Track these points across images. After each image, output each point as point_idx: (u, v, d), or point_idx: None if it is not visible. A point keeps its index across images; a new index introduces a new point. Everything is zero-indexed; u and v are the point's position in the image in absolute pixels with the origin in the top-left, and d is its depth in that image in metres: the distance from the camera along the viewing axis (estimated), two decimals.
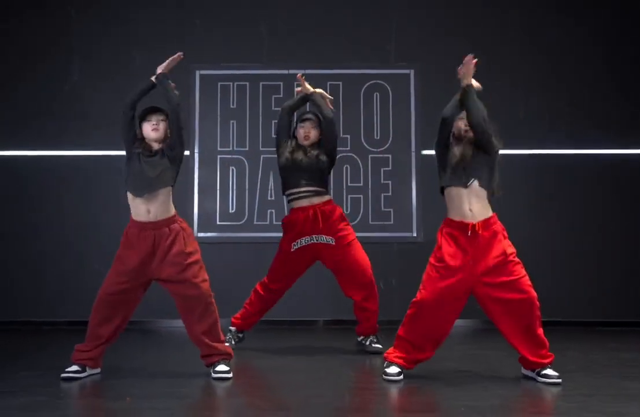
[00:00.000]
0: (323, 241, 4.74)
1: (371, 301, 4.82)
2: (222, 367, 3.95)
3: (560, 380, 3.75)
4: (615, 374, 4.09)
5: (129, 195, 3.98)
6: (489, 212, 3.89)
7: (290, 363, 4.55)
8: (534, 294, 3.83)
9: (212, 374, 3.94)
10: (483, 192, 3.87)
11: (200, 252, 4.03)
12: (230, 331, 5.02)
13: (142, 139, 4.04)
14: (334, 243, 4.74)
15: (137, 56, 6.73)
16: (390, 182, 6.52)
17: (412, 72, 6.67)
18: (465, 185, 3.86)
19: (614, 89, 6.67)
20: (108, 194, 6.34)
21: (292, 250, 4.79)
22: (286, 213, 6.48)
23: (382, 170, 6.59)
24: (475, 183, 3.86)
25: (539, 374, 3.83)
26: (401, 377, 3.83)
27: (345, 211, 6.42)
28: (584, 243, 6.57)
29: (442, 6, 6.76)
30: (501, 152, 6.27)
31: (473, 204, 3.84)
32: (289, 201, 4.89)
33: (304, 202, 4.77)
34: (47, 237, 6.54)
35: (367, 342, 4.89)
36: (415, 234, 6.46)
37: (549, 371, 3.81)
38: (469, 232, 3.80)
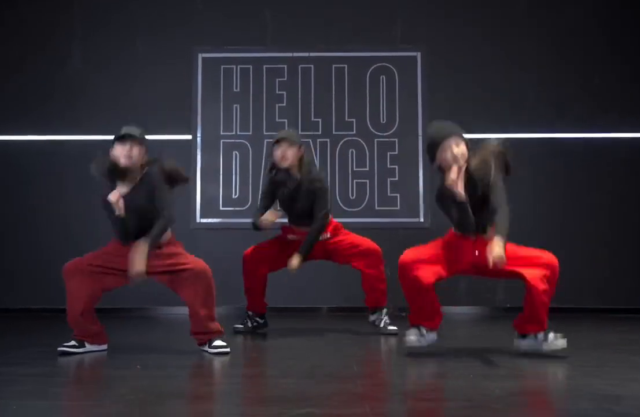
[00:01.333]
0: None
1: (373, 267, 4.68)
2: (219, 342, 3.86)
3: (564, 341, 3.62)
4: (625, 351, 4.00)
5: None
6: None
7: (294, 341, 4.48)
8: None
9: (210, 349, 3.83)
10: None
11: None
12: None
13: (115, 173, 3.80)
14: (329, 236, 4.73)
15: (138, 40, 6.56)
16: (396, 166, 6.32)
17: (418, 54, 6.51)
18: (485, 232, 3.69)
19: (625, 72, 6.49)
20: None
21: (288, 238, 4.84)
22: None
23: (388, 154, 6.38)
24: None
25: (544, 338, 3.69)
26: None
27: (350, 196, 6.31)
28: (596, 229, 6.37)
29: None
30: (510, 135, 6.14)
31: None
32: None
33: (303, 228, 4.72)
34: (46, 221, 6.40)
35: (382, 324, 4.74)
36: (422, 220, 6.26)
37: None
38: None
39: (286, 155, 4.55)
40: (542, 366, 3.40)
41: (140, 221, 3.77)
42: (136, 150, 3.75)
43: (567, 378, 3.03)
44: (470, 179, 3.61)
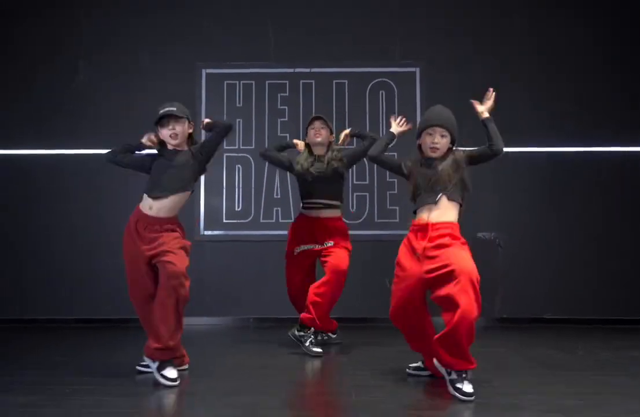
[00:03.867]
0: (318, 247, 4.66)
1: (329, 285, 4.41)
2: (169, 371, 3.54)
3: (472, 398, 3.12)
4: (623, 373, 3.77)
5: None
6: (449, 218, 3.49)
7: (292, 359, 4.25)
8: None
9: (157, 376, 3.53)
10: (450, 204, 3.51)
11: (188, 250, 3.74)
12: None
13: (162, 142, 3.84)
14: (332, 244, 4.61)
15: (143, 55, 6.37)
16: (395, 180, 6.12)
17: (417, 70, 6.30)
18: (435, 202, 3.50)
19: (617, 89, 6.28)
20: (116, 191, 6.04)
21: (294, 254, 4.74)
22: (292, 211, 6.11)
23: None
24: (443, 198, 3.50)
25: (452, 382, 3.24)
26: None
27: (351, 208, 6.14)
28: (589, 241, 6.17)
29: (447, 5, 6.44)
30: (509, 149, 5.95)
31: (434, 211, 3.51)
32: (302, 207, 4.82)
33: (312, 213, 4.68)
34: (56, 234, 6.22)
35: (307, 343, 4.42)
36: None
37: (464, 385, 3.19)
38: (416, 228, 3.53)
39: (320, 133, 4.68)
40: (542, 393, 3.19)
41: (178, 174, 3.69)
42: (179, 127, 3.71)
43: (567, 410, 2.82)
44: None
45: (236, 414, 2.81)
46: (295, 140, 4.90)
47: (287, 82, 6.31)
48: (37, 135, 6.26)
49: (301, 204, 4.81)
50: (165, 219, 3.70)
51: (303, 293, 4.61)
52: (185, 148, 3.81)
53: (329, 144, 4.77)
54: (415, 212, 3.63)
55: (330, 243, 4.57)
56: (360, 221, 6.14)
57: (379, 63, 6.32)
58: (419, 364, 3.68)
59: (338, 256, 4.50)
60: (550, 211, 6.19)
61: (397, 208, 6.16)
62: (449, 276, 3.20)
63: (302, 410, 2.96)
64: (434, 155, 3.56)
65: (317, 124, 4.72)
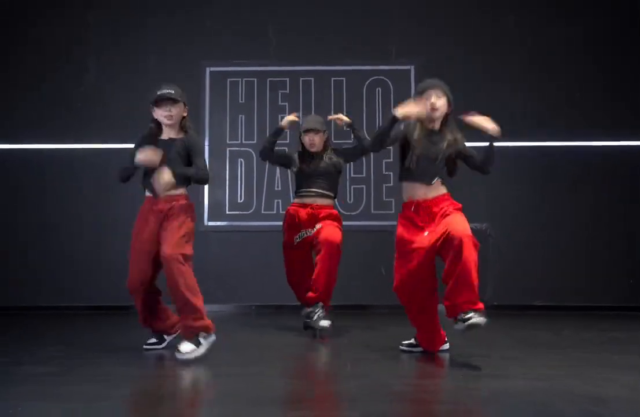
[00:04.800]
0: (310, 233, 4.65)
1: (324, 259, 4.42)
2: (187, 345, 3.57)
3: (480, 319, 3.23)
4: (607, 350, 3.92)
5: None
6: (442, 191, 3.59)
7: (290, 339, 4.41)
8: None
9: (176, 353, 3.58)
10: (440, 185, 3.61)
11: (192, 233, 3.72)
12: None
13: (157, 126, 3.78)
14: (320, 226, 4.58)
15: (150, 55, 6.52)
16: (391, 173, 6.28)
17: (412, 68, 6.45)
18: (430, 183, 3.55)
19: (605, 87, 6.46)
20: (123, 185, 6.04)
21: (295, 243, 4.71)
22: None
23: (383, 161, 6.33)
24: (438, 181, 3.58)
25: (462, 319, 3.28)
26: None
27: (348, 200, 6.27)
28: (577, 231, 6.34)
29: (442, 4, 6.57)
30: (500, 144, 6.10)
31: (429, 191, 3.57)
32: (295, 197, 4.84)
33: (305, 200, 4.70)
34: (67, 225, 6.33)
35: (315, 317, 4.47)
36: None
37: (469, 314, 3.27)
38: (412, 208, 3.54)
39: (314, 142, 4.68)
40: (526, 365, 3.34)
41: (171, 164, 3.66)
42: (175, 110, 3.70)
43: (548, 379, 2.97)
44: (439, 136, 3.56)
45: (237, 382, 2.96)
46: (284, 122, 4.72)
47: (287, 79, 6.45)
48: (46, 131, 6.39)
49: (294, 194, 4.82)
50: (172, 196, 3.69)
51: (303, 281, 4.65)
52: (177, 134, 3.75)
53: (326, 141, 4.78)
54: (401, 180, 3.65)
55: (319, 225, 4.55)
56: (357, 212, 6.28)
57: (376, 61, 6.45)
58: (412, 340, 3.80)
59: (328, 231, 4.48)
60: (540, 202, 6.32)
61: (393, 200, 6.28)
62: (451, 239, 3.30)
63: (299, 379, 3.11)
64: (434, 115, 3.54)
65: (311, 134, 4.69)
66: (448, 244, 3.32)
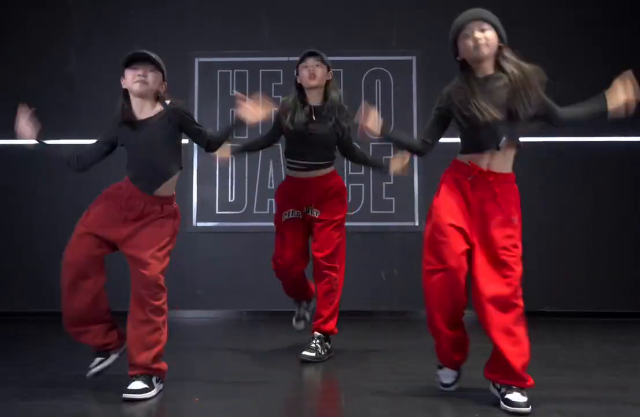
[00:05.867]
0: (312, 213, 3.86)
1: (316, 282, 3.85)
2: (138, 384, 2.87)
3: (527, 408, 2.59)
4: (633, 369, 3.50)
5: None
6: (508, 169, 2.81)
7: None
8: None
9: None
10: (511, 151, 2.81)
11: (173, 245, 3.05)
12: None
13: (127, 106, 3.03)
14: (317, 216, 3.85)
15: (136, 45, 5.97)
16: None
17: (413, 58, 6.04)
18: (498, 148, 2.74)
19: (611, 79, 5.95)
20: (109, 181, 5.64)
21: (282, 221, 3.90)
22: None
23: (383, 158, 5.83)
24: (506, 144, 2.76)
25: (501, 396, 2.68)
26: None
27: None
28: (585, 235, 5.94)
29: None
30: None
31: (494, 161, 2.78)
32: (287, 167, 4.00)
33: (301, 175, 3.88)
34: (52, 225, 5.88)
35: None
36: (417, 223, 5.79)
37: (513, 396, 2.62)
38: (471, 176, 2.74)
39: (315, 72, 3.77)
40: (553, 398, 2.85)
41: (149, 155, 3.00)
42: (152, 76, 2.98)
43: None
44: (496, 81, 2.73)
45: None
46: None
47: (281, 70, 6.01)
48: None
49: (286, 164, 4.00)
50: (162, 198, 3.03)
51: (292, 271, 3.89)
52: (152, 109, 3.04)
53: (327, 85, 3.86)
54: (461, 152, 2.84)
55: (317, 212, 3.83)
56: (355, 212, 5.87)
57: (375, 52, 6.04)
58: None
59: (322, 243, 3.79)
60: (547, 204, 5.87)
61: (393, 199, 5.88)
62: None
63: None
64: (482, 52, 2.70)
65: (311, 61, 3.82)
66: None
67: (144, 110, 3.06)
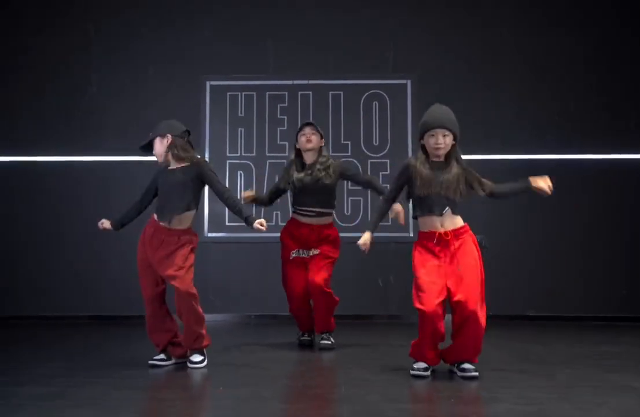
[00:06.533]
0: (306, 255, 4.57)
1: (316, 303, 4.50)
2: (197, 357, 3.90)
3: (476, 373, 3.51)
4: (600, 366, 3.89)
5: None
6: (459, 223, 3.65)
7: (289, 355, 4.39)
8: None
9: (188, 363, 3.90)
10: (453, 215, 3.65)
11: (193, 264, 3.89)
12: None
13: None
14: (317, 253, 4.54)
15: (150, 68, 6.52)
16: (388, 186, 6.17)
17: (409, 82, 6.46)
18: (441, 214, 3.59)
19: (598, 101, 6.41)
20: (124, 196, 6.03)
21: (290, 258, 4.59)
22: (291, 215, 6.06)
23: (380, 174, 6.32)
24: (448, 211, 3.60)
25: (458, 368, 3.60)
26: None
27: (345, 212, 6.28)
28: (570, 242, 6.34)
29: (438, 19, 6.55)
30: (494, 157, 6.20)
31: (445, 222, 3.62)
32: (292, 211, 4.71)
33: (304, 220, 4.57)
34: (67, 239, 6.32)
35: (320, 339, 4.60)
36: (412, 234, 6.20)
37: (466, 365, 3.57)
38: (435, 240, 3.57)
39: (311, 138, 4.49)
40: (518, 387, 3.31)
41: (174, 195, 3.82)
42: (156, 146, 3.91)
43: (539, 403, 2.95)
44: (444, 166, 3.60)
45: (226, 405, 2.97)
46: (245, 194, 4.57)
47: (286, 93, 6.45)
48: (49, 142, 6.40)
49: (292, 209, 4.68)
50: (175, 230, 3.83)
51: (306, 305, 4.57)
52: (176, 164, 3.89)
53: (320, 150, 4.58)
54: (416, 217, 3.69)
55: (316, 251, 4.50)
56: (354, 223, 6.27)
57: (373, 75, 6.46)
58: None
59: (313, 271, 4.43)
60: (533, 214, 6.30)
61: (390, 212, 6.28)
62: (463, 305, 3.44)
63: (292, 403, 3.12)
64: (438, 153, 3.58)
65: (308, 130, 4.51)
66: (457, 308, 3.46)
67: (172, 165, 3.97)
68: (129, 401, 3.06)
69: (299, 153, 4.59)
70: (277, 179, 4.84)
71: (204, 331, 3.90)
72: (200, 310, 3.85)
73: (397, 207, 4.19)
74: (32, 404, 2.93)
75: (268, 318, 6.17)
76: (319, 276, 4.39)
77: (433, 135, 3.58)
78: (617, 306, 6.22)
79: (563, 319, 6.10)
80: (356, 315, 6.15)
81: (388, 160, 6.37)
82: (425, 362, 3.61)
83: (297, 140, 4.59)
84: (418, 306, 3.48)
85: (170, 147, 3.89)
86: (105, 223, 4.11)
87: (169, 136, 3.90)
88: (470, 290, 3.47)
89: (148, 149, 4.00)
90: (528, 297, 6.24)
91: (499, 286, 6.15)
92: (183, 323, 3.85)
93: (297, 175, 4.51)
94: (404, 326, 5.74)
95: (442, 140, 3.57)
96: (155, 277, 3.85)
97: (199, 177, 3.88)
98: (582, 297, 6.22)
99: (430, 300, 3.44)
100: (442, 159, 3.64)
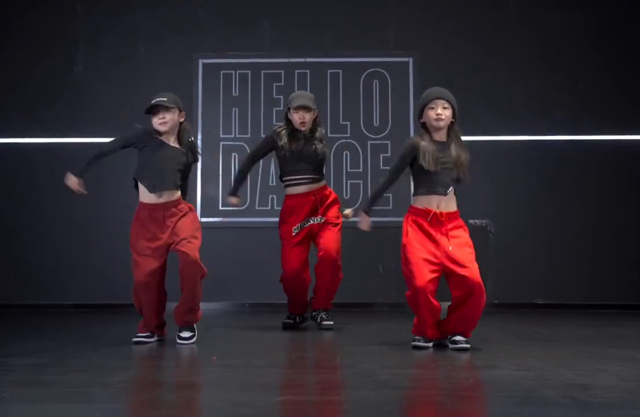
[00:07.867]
0: (316, 221, 4.67)
1: (322, 275, 4.62)
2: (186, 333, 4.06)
3: (468, 345, 3.68)
4: (603, 344, 4.03)
5: (140, 185, 4.04)
6: (454, 207, 3.84)
7: (284, 334, 4.55)
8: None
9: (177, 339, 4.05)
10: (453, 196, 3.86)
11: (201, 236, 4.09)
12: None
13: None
14: (322, 221, 4.68)
15: (141, 46, 6.65)
16: (389, 168, 6.30)
17: (410, 60, 6.59)
18: (445, 193, 3.77)
19: (607, 79, 6.55)
20: (113, 178, 6.21)
21: (292, 235, 4.68)
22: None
23: (381, 156, 6.45)
24: (452, 191, 3.80)
25: (450, 340, 3.77)
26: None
27: (344, 196, 6.39)
28: (580, 228, 6.47)
29: None
30: (501, 138, 6.34)
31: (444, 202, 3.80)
32: (286, 186, 4.79)
33: (301, 189, 4.69)
34: (55, 223, 6.45)
35: (318, 319, 4.74)
36: None
37: (458, 337, 3.74)
38: (429, 218, 3.74)
39: (305, 120, 4.61)
40: (518, 357, 3.46)
41: (170, 171, 3.98)
42: (169, 116, 3.98)
43: (539, 369, 3.09)
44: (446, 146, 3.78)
45: (226, 371, 3.10)
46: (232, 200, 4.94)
47: (282, 72, 6.57)
48: (35, 124, 6.53)
49: (284, 183, 4.78)
50: (169, 202, 3.99)
51: (299, 278, 4.64)
52: (173, 142, 4.05)
53: (315, 119, 4.70)
54: (415, 194, 3.86)
55: (322, 219, 4.65)
56: (354, 208, 6.37)
57: (373, 53, 6.59)
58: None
59: (327, 240, 4.59)
60: (541, 198, 6.45)
61: (391, 195, 6.36)
62: (465, 281, 3.61)
63: (287, 368, 3.25)
64: (439, 124, 3.76)
65: (302, 112, 4.60)
66: (461, 283, 3.63)
67: (169, 142, 4.09)
68: (121, 367, 3.20)
69: (291, 122, 4.69)
70: (255, 149, 4.95)
71: (198, 305, 4.04)
72: (201, 287, 3.98)
73: (350, 213, 4.70)
74: (25, 369, 3.07)
75: (263, 306, 6.28)
76: (333, 247, 4.57)
77: (433, 107, 3.77)
78: (629, 294, 6.34)
79: (572, 306, 6.22)
80: (355, 303, 6.24)
81: (389, 142, 6.49)
82: (427, 337, 3.78)
83: (288, 111, 4.70)
84: (410, 281, 3.67)
85: (182, 129, 4.07)
86: (72, 181, 4.21)
87: (184, 114, 4.09)
88: (471, 265, 3.64)
89: (148, 111, 4.02)
90: (536, 285, 6.36)
91: (505, 273, 6.30)
92: (182, 293, 3.96)
93: (292, 143, 4.62)
94: (405, 313, 5.85)
95: (442, 111, 3.76)
96: (157, 256, 3.93)
97: (189, 165, 4.17)
98: (592, 285, 6.35)
99: (422, 275, 3.62)
100: (443, 139, 3.83)
